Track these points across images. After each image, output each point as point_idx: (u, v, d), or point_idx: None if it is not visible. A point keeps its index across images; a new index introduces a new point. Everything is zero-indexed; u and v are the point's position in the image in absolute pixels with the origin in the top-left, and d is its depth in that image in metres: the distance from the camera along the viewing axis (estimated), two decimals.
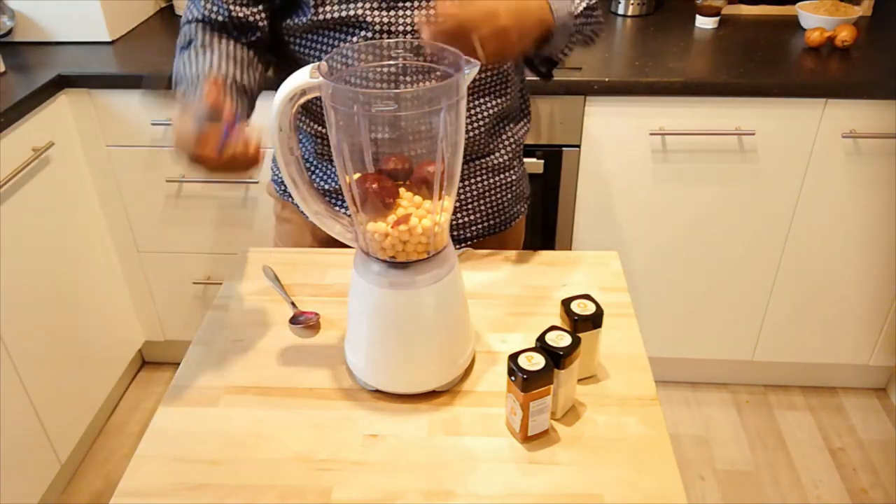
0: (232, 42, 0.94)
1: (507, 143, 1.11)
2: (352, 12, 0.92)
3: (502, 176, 1.12)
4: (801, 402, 2.07)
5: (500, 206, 1.13)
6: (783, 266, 1.86)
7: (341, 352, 0.89)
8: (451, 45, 0.75)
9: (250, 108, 0.95)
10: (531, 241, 1.85)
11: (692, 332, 1.99)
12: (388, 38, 0.94)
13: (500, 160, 1.10)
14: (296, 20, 0.95)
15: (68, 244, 1.77)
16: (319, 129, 1.05)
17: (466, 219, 1.10)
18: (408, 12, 0.93)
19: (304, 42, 0.98)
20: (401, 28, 0.93)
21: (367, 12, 0.92)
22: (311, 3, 0.92)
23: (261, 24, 0.96)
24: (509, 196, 1.14)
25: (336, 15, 0.92)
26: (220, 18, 0.94)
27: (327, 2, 0.92)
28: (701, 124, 1.67)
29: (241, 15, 0.94)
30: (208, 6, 0.95)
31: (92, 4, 1.82)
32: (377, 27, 0.93)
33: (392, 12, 0.92)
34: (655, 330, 2.00)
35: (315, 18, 0.93)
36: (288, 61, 1.01)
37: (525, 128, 1.14)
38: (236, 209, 1.87)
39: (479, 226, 1.12)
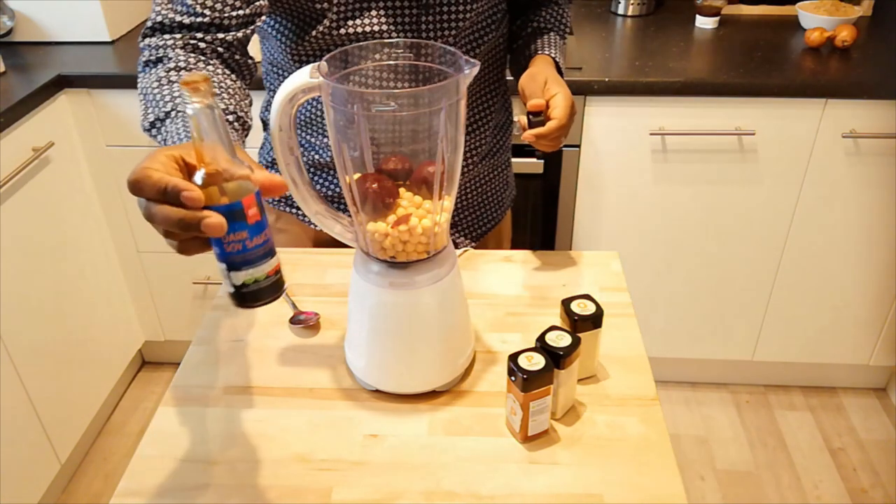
0: (219, 64, 0.83)
1: (507, 138, 1.17)
2: (375, 28, 0.91)
3: (502, 168, 1.19)
4: (801, 402, 2.07)
5: (498, 197, 1.19)
6: (783, 266, 1.86)
7: (341, 352, 0.89)
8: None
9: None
10: (531, 241, 1.85)
11: (692, 332, 1.99)
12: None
13: (505, 155, 1.18)
14: (309, 35, 0.92)
15: (68, 244, 1.77)
16: (312, 140, 1.05)
17: (463, 219, 1.12)
18: (430, 27, 0.93)
19: (311, 57, 0.96)
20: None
21: (387, 27, 0.91)
22: (331, 18, 0.90)
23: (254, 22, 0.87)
24: (501, 183, 1.19)
25: (353, 30, 0.91)
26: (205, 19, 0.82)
27: (348, 18, 0.90)
28: (701, 124, 1.67)
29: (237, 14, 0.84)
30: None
31: (92, 4, 1.82)
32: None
33: (413, 33, 0.92)
34: (655, 330, 1.99)
35: (331, 34, 0.91)
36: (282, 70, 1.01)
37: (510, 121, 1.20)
38: None
39: (477, 227, 1.15)
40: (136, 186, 0.56)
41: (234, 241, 0.59)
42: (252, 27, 0.86)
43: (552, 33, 1.06)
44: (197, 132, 0.57)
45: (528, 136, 0.88)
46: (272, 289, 0.64)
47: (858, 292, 1.88)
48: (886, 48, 1.77)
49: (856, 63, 1.69)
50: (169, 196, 0.55)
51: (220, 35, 0.83)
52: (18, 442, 1.60)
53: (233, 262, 0.61)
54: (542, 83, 0.93)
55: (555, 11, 1.09)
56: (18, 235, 1.59)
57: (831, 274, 1.86)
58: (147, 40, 0.84)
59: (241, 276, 0.62)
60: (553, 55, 1.02)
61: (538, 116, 0.89)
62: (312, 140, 1.04)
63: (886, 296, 1.88)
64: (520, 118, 0.92)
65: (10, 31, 1.86)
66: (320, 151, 1.04)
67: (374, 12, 0.91)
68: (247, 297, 0.63)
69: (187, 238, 0.58)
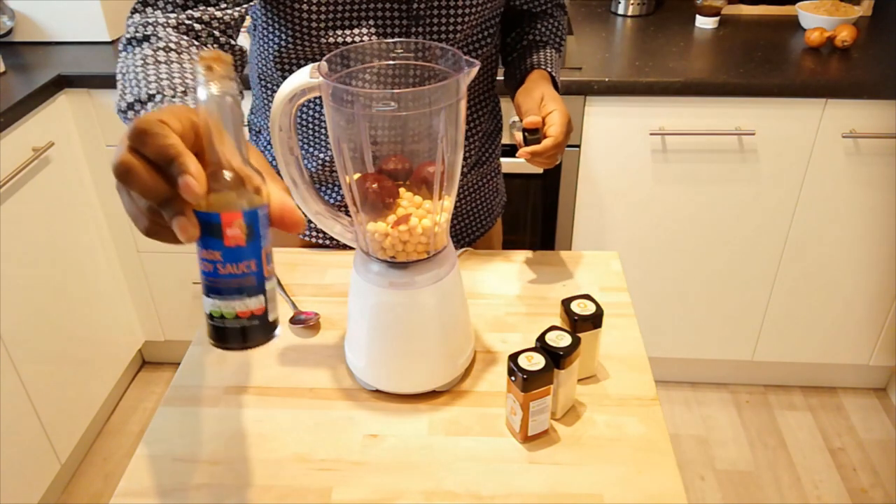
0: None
1: (496, 147, 1.15)
2: (364, 38, 0.90)
3: (491, 176, 1.17)
4: (801, 402, 2.07)
5: (488, 206, 1.18)
6: (783, 266, 1.86)
7: (341, 352, 0.89)
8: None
9: None
10: (531, 241, 1.85)
11: (692, 332, 1.99)
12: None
13: (494, 164, 1.15)
14: (296, 42, 0.92)
15: (68, 244, 1.77)
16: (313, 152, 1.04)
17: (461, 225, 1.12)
18: (417, 38, 0.93)
19: (296, 65, 0.95)
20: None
21: (376, 38, 0.91)
22: (317, 27, 0.89)
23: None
24: (490, 192, 1.18)
25: (342, 40, 0.90)
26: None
27: (335, 27, 0.90)
28: (701, 124, 1.67)
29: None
30: None
31: (92, 4, 1.82)
32: None
33: (397, 38, 0.92)
34: (655, 330, 1.99)
35: (318, 42, 0.91)
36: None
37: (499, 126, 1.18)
38: None
39: (465, 234, 1.15)
40: (141, 138, 0.45)
41: (206, 258, 0.49)
42: (244, 7, 0.82)
43: (548, 48, 1.05)
44: (204, 122, 0.48)
45: (523, 153, 0.87)
46: (240, 334, 0.51)
47: (858, 292, 1.88)
48: (886, 48, 1.77)
49: (856, 63, 1.69)
50: (169, 168, 0.45)
51: (211, 10, 0.79)
52: (18, 442, 1.60)
53: (204, 283, 0.50)
54: (538, 100, 0.92)
55: (550, 24, 1.08)
56: (18, 235, 1.59)
57: (831, 274, 1.86)
58: (134, 17, 0.78)
59: (208, 304, 0.50)
60: (550, 70, 1.02)
61: (534, 134, 0.88)
62: None
63: (886, 296, 1.88)
64: (515, 134, 0.92)
65: (10, 31, 1.86)
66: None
67: (363, 22, 0.90)
68: (214, 331, 0.51)
69: (154, 221, 0.47)
